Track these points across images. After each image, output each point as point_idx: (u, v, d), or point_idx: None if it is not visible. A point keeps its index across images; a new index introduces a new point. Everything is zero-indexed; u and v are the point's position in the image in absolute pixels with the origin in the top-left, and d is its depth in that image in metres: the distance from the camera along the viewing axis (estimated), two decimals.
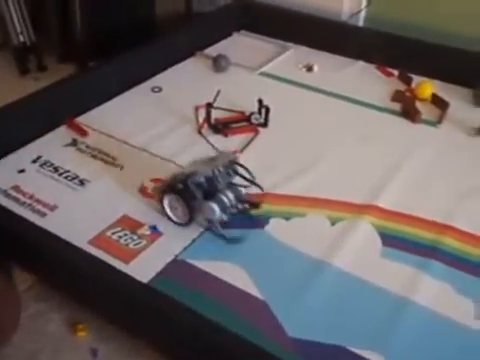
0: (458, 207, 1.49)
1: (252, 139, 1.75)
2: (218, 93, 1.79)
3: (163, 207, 1.42)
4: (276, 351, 1.09)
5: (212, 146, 1.71)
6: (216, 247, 1.36)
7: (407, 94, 1.97)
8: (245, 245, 1.36)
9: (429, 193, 1.55)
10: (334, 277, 1.29)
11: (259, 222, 1.43)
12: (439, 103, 1.90)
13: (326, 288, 1.26)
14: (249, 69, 2.16)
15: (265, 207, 1.47)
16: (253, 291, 1.25)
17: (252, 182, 1.47)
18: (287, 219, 1.45)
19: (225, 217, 1.38)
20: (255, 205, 1.44)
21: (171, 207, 1.41)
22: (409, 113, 1.87)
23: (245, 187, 1.45)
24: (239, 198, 1.41)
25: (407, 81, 2.04)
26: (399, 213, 1.47)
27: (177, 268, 1.30)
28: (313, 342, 1.14)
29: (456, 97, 1.95)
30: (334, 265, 1.31)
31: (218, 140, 1.76)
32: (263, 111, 1.80)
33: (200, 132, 1.78)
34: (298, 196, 1.52)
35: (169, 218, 1.42)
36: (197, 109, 1.84)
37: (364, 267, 1.31)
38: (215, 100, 1.78)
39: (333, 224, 1.44)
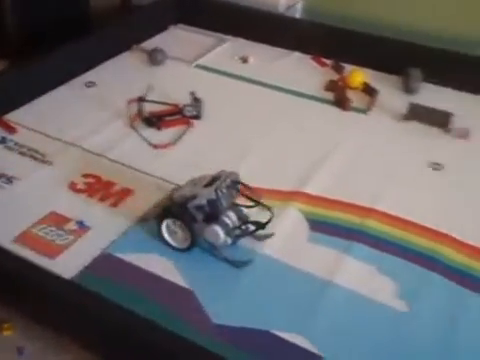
0: (384, 190, 1.53)
1: (185, 132, 1.76)
2: (149, 87, 1.79)
3: (160, 232, 1.33)
4: (199, 339, 1.10)
5: (144, 139, 1.71)
6: (143, 240, 1.35)
7: (339, 83, 2.01)
8: None
9: (356, 178, 1.59)
10: (261, 263, 1.31)
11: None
12: (369, 91, 1.95)
13: (253, 274, 1.28)
14: (185, 62, 2.15)
15: None
16: (179, 281, 1.25)
17: (257, 202, 1.34)
18: None
19: (229, 240, 1.29)
20: (260, 225, 1.32)
21: (170, 231, 1.32)
22: (340, 101, 1.91)
23: (248, 207, 1.35)
24: (242, 219, 1.32)
25: (339, 71, 2.08)
26: (327, 199, 1.50)
27: (104, 262, 1.29)
28: (237, 328, 1.16)
29: (387, 85, 2.01)
30: (262, 252, 1.33)
31: (151, 134, 1.75)
32: (196, 103, 1.80)
33: (133, 126, 1.76)
34: None
35: (168, 244, 1.33)
36: (130, 103, 1.82)
37: (291, 252, 1.34)
38: (146, 94, 1.77)
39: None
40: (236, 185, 1.33)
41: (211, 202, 1.26)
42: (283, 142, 1.74)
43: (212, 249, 1.30)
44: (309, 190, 1.53)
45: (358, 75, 1.99)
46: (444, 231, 1.40)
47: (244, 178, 1.54)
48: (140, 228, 1.39)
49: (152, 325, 1.14)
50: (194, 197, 1.27)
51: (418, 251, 1.35)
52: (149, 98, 1.80)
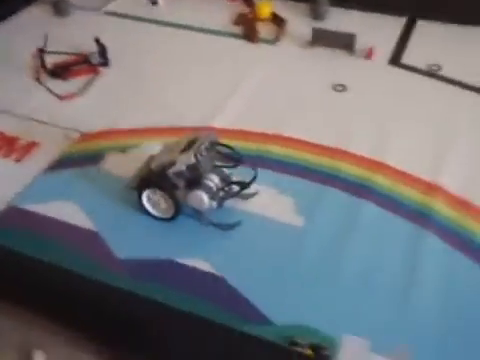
0: (289, 116, 1.57)
1: (92, 80, 1.74)
2: (46, 37, 1.75)
3: (142, 204, 1.28)
4: (107, 276, 1.16)
5: (50, 91, 1.69)
6: (49, 189, 1.37)
7: (249, 16, 2.00)
8: (79, 183, 1.38)
9: (263, 108, 1.61)
10: None
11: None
12: (277, 21, 1.95)
13: None
14: (93, 10, 2.10)
15: (100, 144, 1.49)
16: (86, 225, 1.28)
17: (239, 161, 1.27)
18: (123, 151, 1.47)
19: (215, 204, 1.23)
20: (244, 185, 1.27)
21: (152, 202, 1.26)
22: (249, 34, 1.91)
23: (229, 167, 1.28)
24: (225, 180, 1.26)
25: (249, 3, 2.06)
26: (233, 130, 1.53)
27: (9, 215, 1.31)
28: (142, 260, 1.20)
29: (296, 13, 2.01)
30: None
31: (59, 85, 1.73)
32: (102, 50, 1.78)
33: (38, 79, 1.74)
34: (135, 129, 1.54)
35: (152, 215, 1.28)
36: (33, 57, 1.78)
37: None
38: (45, 44, 1.74)
39: None
40: (215, 146, 1.26)
41: (191, 167, 1.20)
42: (193, 80, 1.74)
43: (197, 215, 1.26)
44: (217, 124, 1.55)
45: (266, 6, 1.98)
46: (343, 148, 1.45)
47: (152, 119, 1.58)
48: (46, 178, 1.40)
49: (59, 269, 1.18)
50: (173, 164, 1.21)
51: (318, 170, 1.40)
52: (52, 49, 1.77)
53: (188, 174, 1.21)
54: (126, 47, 1.88)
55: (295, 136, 1.50)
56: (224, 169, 1.29)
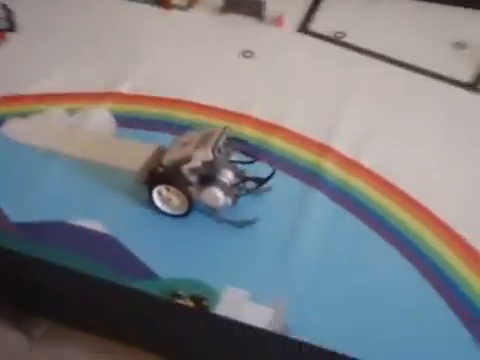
0: (194, 83, 1.59)
1: None
2: None
3: (152, 200, 1.22)
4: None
5: None
6: None
7: None
8: None
9: (172, 73, 1.63)
10: (65, 163, 1.35)
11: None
12: None
13: (56, 175, 1.32)
14: None
15: (1, 110, 1.48)
16: None
17: (255, 158, 1.25)
18: (24, 117, 1.47)
19: (230, 201, 1.20)
20: (261, 181, 1.25)
21: (163, 199, 1.22)
22: (163, 1, 1.90)
23: (243, 163, 1.25)
24: (239, 176, 1.22)
25: None
26: (138, 95, 1.54)
27: None
28: (36, 223, 1.22)
29: None
30: (67, 152, 1.37)
31: None
32: (8, 15, 1.74)
33: None
34: (39, 94, 1.53)
35: (162, 212, 1.23)
36: None
37: (96, 148, 1.38)
38: None
39: (71, 115, 1.48)
40: (231, 142, 1.22)
41: (207, 163, 1.16)
42: (102, 46, 1.73)
43: (211, 211, 1.22)
44: (123, 89, 1.56)
45: None
46: (246, 113, 1.49)
47: (60, 85, 1.57)
48: None
49: None
50: (188, 159, 1.17)
51: None
52: None
53: (203, 170, 1.18)
54: (35, 13, 1.84)
55: (201, 101, 1.53)
56: (238, 165, 1.26)
